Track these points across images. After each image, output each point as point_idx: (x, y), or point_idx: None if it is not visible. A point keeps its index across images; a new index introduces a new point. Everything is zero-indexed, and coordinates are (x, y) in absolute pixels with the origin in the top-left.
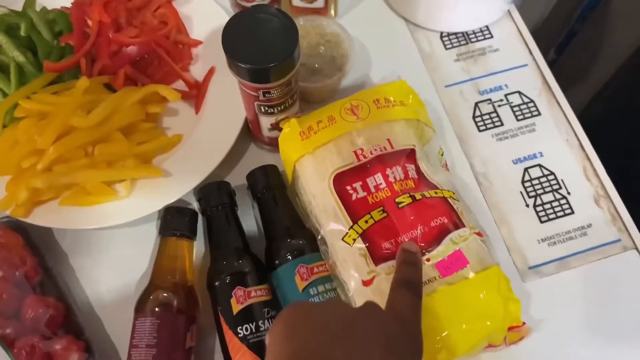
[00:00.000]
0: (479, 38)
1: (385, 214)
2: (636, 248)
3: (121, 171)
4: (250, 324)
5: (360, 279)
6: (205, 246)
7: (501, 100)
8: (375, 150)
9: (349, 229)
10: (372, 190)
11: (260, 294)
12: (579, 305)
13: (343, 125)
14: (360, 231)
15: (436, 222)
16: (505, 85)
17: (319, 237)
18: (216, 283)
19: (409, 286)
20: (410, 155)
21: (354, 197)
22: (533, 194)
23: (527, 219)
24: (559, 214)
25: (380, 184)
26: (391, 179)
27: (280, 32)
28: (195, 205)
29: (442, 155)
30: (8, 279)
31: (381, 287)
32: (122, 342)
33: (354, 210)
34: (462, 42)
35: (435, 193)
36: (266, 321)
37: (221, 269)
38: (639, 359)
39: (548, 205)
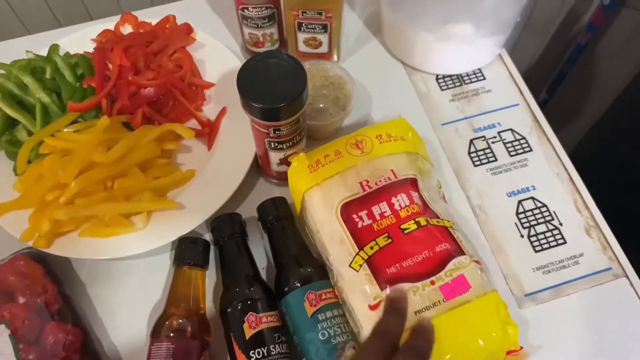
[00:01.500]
0: (473, 80)
1: (390, 240)
2: (626, 276)
3: (138, 204)
4: (262, 348)
5: (367, 304)
6: (217, 275)
7: (494, 137)
8: (380, 181)
9: (355, 255)
10: (377, 217)
11: (271, 319)
12: (574, 330)
13: (349, 159)
14: (365, 257)
15: (440, 247)
16: (498, 123)
17: (327, 264)
18: (229, 309)
19: (384, 337)
20: (413, 182)
21: (359, 225)
22: (527, 224)
23: (522, 248)
24: (552, 243)
25: (385, 211)
26: (397, 206)
27: (289, 74)
28: (207, 236)
29: (439, 187)
30: (30, 306)
31: None
32: None
33: (359, 237)
34: (457, 84)
35: (437, 222)
36: (277, 345)
37: (233, 296)
38: None
39: (542, 236)
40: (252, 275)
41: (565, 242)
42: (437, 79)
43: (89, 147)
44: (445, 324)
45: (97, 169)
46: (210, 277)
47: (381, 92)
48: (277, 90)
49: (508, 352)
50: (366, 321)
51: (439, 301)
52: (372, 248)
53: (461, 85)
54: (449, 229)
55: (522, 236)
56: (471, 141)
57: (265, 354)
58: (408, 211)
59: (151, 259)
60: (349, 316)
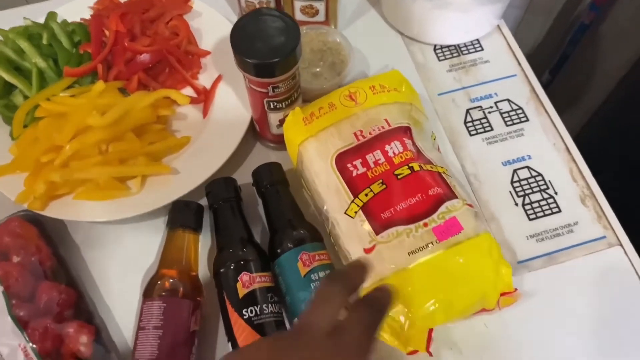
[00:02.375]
0: (470, 50)
1: (384, 186)
2: (620, 244)
3: (132, 168)
4: (255, 307)
5: (362, 248)
6: (211, 239)
7: (491, 107)
8: (374, 130)
9: (350, 203)
10: (372, 165)
11: (264, 280)
12: (567, 298)
13: (343, 111)
14: (360, 204)
15: (433, 191)
16: (495, 93)
17: (323, 213)
18: (222, 270)
19: (373, 305)
20: (406, 130)
21: (354, 174)
22: (522, 193)
23: (516, 216)
24: (546, 212)
25: (379, 159)
26: (390, 153)
27: (283, 30)
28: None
29: (434, 139)
30: (24, 265)
31: (382, 254)
32: (129, 328)
33: (354, 185)
34: (454, 54)
35: (431, 167)
36: (269, 305)
37: (227, 257)
38: (623, 348)
39: (536, 204)
40: (246, 237)
41: (560, 211)
42: (434, 49)
43: (84, 110)
44: (438, 264)
45: (92, 132)
46: (204, 242)
47: (378, 62)
48: (271, 45)
49: (502, 294)
50: None
51: (431, 242)
52: (366, 195)
53: (459, 55)
54: (442, 174)
55: (516, 204)
56: (467, 111)
57: (258, 312)
58: (401, 157)
59: (145, 223)
60: (345, 261)
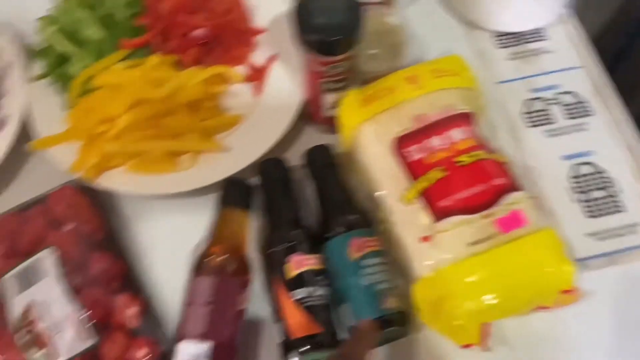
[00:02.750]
0: (533, 39)
1: (444, 173)
2: None
3: (186, 143)
4: (305, 289)
5: (419, 236)
6: (259, 219)
7: (553, 99)
8: (436, 115)
9: (407, 189)
10: (432, 151)
11: (314, 262)
12: (627, 300)
13: (402, 93)
14: (419, 190)
15: (497, 181)
16: (558, 84)
17: (376, 200)
18: (272, 250)
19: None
20: (469, 117)
21: (413, 159)
22: (581, 189)
23: (573, 213)
24: (608, 210)
25: (440, 144)
26: (452, 139)
27: (346, 7)
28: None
29: (494, 129)
30: (76, 234)
31: (440, 243)
32: (176, 303)
33: (413, 170)
34: (516, 43)
35: (495, 156)
36: (320, 287)
37: (277, 237)
38: None
39: (597, 202)
40: (296, 218)
41: (622, 210)
42: (495, 36)
43: (139, 83)
44: (499, 258)
45: (147, 105)
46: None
47: (435, 47)
48: (334, 22)
49: (562, 292)
50: (417, 253)
51: (493, 234)
52: (425, 181)
53: (520, 44)
54: (505, 164)
55: (573, 201)
56: (527, 102)
57: (308, 294)
58: (464, 144)
59: (195, 200)
60: (399, 250)
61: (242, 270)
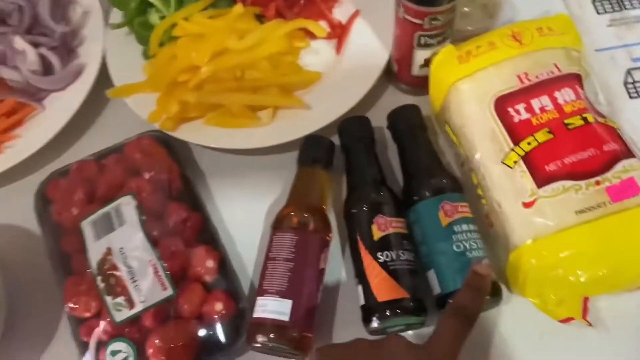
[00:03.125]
0: (636, 6)
1: (551, 135)
2: None
3: (266, 97)
4: (391, 252)
5: (521, 201)
6: (341, 181)
7: None
8: (542, 74)
9: (509, 151)
10: (537, 112)
11: (399, 225)
12: None
13: (505, 51)
14: (522, 153)
15: (608, 147)
16: None
17: (472, 161)
18: (354, 210)
19: (461, 314)
20: (578, 78)
21: (516, 119)
22: None
23: None
24: None
25: (547, 105)
26: (560, 100)
27: None
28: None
29: (596, 96)
30: (155, 183)
31: (543, 210)
32: (251, 260)
33: (515, 132)
34: (617, 9)
35: (605, 121)
36: (405, 252)
37: (361, 198)
38: None
39: None
40: (380, 179)
41: None
42: (594, 1)
43: (222, 33)
44: (609, 228)
45: (229, 55)
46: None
47: (529, 9)
48: None
49: None
50: (517, 219)
51: (603, 202)
52: (529, 144)
53: (622, 10)
54: (617, 130)
55: None
56: (628, 71)
57: (394, 257)
58: (573, 106)
59: (272, 157)
60: (494, 216)
61: (323, 228)
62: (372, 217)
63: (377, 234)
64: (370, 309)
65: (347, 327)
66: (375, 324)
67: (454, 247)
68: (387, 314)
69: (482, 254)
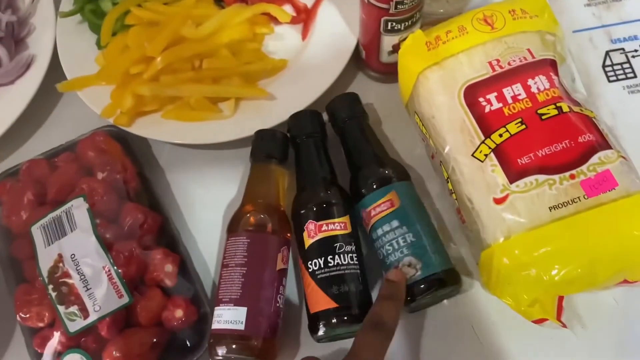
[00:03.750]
0: None
1: (524, 126)
2: None
3: (227, 88)
4: (319, 259)
5: (492, 197)
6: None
7: (635, 50)
8: (514, 60)
9: (480, 144)
10: (509, 101)
11: (333, 227)
12: None
13: (476, 36)
14: (493, 145)
15: (584, 138)
16: None
17: (442, 154)
18: (302, 211)
19: (378, 326)
20: (552, 64)
21: (487, 110)
22: None
23: None
24: None
25: (519, 94)
26: (533, 89)
27: None
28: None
29: (574, 81)
30: (109, 183)
31: (516, 206)
32: (214, 260)
33: (486, 123)
34: None
35: (581, 110)
36: (336, 257)
37: (308, 198)
38: None
39: None
40: (329, 178)
41: None
42: None
43: (178, 20)
44: (584, 224)
45: (186, 44)
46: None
47: None
48: None
49: None
50: (488, 216)
51: (578, 197)
52: (501, 135)
53: None
54: (593, 119)
55: None
56: (607, 53)
57: (322, 265)
58: (547, 95)
59: (236, 151)
60: (466, 212)
61: (282, 227)
62: (304, 224)
63: (307, 242)
64: (309, 318)
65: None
66: (313, 335)
67: (379, 256)
68: (317, 325)
69: (402, 254)
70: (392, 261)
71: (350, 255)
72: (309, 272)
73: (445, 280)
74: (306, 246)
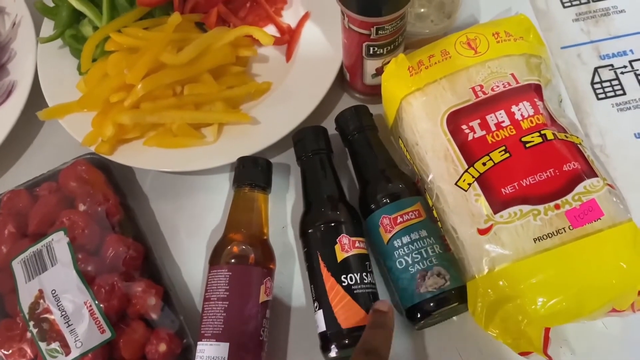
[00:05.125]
0: None
1: (507, 155)
2: None
3: (209, 114)
4: (355, 274)
5: (475, 228)
6: (297, 194)
7: (625, 66)
8: (497, 86)
9: (463, 173)
10: (493, 128)
11: (361, 246)
12: None
13: (459, 61)
14: (476, 174)
15: (568, 166)
16: (631, 50)
17: (425, 182)
18: (311, 230)
19: (371, 354)
20: (537, 89)
21: (470, 137)
22: None
23: None
24: None
25: (503, 121)
26: (517, 115)
27: None
28: (282, 157)
29: (560, 102)
30: (90, 215)
31: (500, 237)
32: (199, 290)
33: (469, 151)
34: (583, 1)
35: (566, 137)
36: (368, 275)
37: (319, 216)
38: None
39: None
40: (337, 195)
41: None
42: None
43: (158, 45)
44: (570, 255)
45: (167, 71)
46: (289, 198)
47: (491, 5)
48: None
49: None
50: (472, 247)
51: (563, 228)
52: (484, 164)
53: (588, 2)
54: (579, 145)
55: None
56: (596, 70)
57: (358, 281)
58: (532, 122)
59: (220, 176)
60: (451, 241)
61: (265, 258)
62: (335, 237)
63: (340, 255)
64: (331, 336)
65: (301, 355)
66: (334, 352)
67: (397, 264)
68: (349, 342)
69: (430, 263)
70: (419, 269)
71: (373, 275)
72: (343, 285)
73: (462, 294)
74: (339, 259)
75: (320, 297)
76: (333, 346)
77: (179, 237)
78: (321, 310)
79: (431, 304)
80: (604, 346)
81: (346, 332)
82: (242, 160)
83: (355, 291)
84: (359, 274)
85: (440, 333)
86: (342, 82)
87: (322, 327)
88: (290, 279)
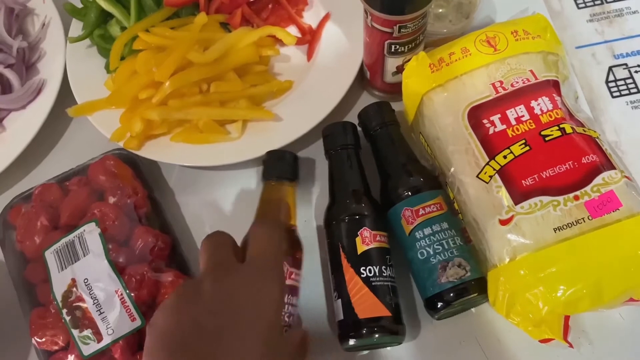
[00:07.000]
0: None
1: (528, 148)
2: None
3: (234, 111)
4: (374, 267)
5: (497, 218)
6: (320, 189)
7: (639, 65)
8: (517, 82)
9: (484, 165)
10: (513, 122)
11: (383, 240)
12: None
13: (479, 58)
14: (497, 167)
15: (587, 159)
16: None
17: (447, 175)
18: (334, 222)
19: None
20: (555, 85)
21: (491, 131)
22: None
23: None
24: None
25: (523, 115)
26: (537, 110)
27: None
28: (303, 152)
29: (577, 99)
30: (120, 207)
31: (521, 227)
32: None
33: (490, 145)
34: (597, 2)
35: (584, 130)
36: (387, 268)
37: (344, 208)
38: None
39: None
40: (362, 189)
41: None
42: None
43: (185, 44)
44: (589, 245)
45: (193, 69)
46: (314, 191)
47: (507, 6)
48: None
49: None
50: (494, 237)
51: (582, 219)
52: (505, 157)
53: (602, 3)
54: (597, 139)
55: None
56: (610, 69)
57: (377, 273)
58: (550, 116)
59: (243, 171)
60: (472, 232)
61: (291, 246)
62: (357, 230)
63: (360, 248)
64: (349, 325)
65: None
66: (351, 341)
67: (419, 255)
68: (365, 331)
69: (451, 255)
70: (440, 260)
71: (393, 269)
72: (362, 277)
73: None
74: (359, 252)
75: (339, 287)
76: (349, 335)
77: (204, 230)
78: (340, 300)
79: (451, 294)
80: (620, 336)
81: (363, 322)
82: (270, 154)
83: (373, 283)
84: (378, 267)
85: (460, 324)
86: (362, 80)
87: (340, 315)
88: (308, 272)
